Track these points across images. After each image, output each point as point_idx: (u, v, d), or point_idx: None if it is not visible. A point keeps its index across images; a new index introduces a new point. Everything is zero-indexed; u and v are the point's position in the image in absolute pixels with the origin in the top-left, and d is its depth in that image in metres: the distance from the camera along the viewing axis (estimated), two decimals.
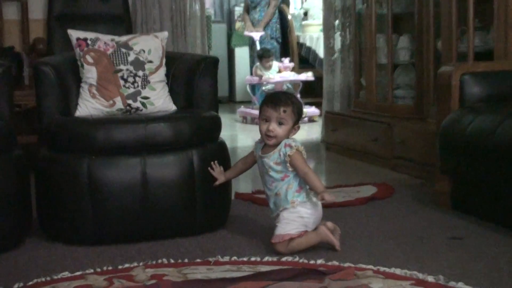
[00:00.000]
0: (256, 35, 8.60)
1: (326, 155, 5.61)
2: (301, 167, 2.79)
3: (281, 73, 8.05)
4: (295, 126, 2.86)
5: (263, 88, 8.06)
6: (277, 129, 2.83)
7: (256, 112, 7.86)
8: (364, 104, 5.39)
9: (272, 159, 2.84)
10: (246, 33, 8.70)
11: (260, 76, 7.98)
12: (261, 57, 8.08)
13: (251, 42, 8.84)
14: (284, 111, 2.82)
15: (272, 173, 2.84)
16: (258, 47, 8.47)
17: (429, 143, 4.10)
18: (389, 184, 4.14)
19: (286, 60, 8.33)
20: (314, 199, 2.85)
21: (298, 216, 2.81)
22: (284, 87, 7.98)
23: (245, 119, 8.16)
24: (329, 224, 2.90)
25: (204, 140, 3.15)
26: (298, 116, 2.86)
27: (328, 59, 6.07)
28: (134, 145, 2.99)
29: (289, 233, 2.78)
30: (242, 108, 8.34)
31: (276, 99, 2.86)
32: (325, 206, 2.94)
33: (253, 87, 8.43)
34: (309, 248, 2.81)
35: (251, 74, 8.75)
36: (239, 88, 10.37)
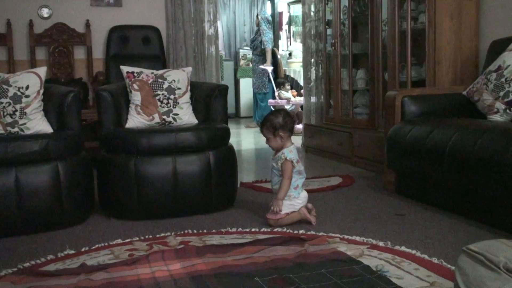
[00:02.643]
0: (270, 68, 8.61)
1: (305, 155, 5.59)
2: (284, 173, 2.77)
3: (295, 97, 8.09)
4: (278, 135, 2.80)
5: (288, 107, 8.06)
6: (270, 143, 2.83)
7: None
8: (332, 118, 5.37)
9: (275, 160, 2.81)
10: (262, 67, 8.67)
11: (288, 99, 7.98)
12: (283, 84, 8.15)
13: (260, 72, 8.73)
14: (262, 131, 2.84)
15: (275, 171, 2.84)
16: (272, 78, 8.47)
17: (379, 146, 4.08)
18: (351, 175, 4.12)
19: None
20: (304, 192, 2.84)
21: (290, 204, 2.79)
22: (299, 109, 8.03)
23: None
24: (309, 205, 2.89)
25: (218, 145, 3.13)
26: (273, 129, 2.80)
27: (306, 86, 6.05)
28: (167, 148, 2.98)
29: (280, 214, 2.76)
30: None
31: (261, 124, 2.85)
32: (307, 191, 2.92)
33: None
34: (293, 223, 2.80)
35: (254, 96, 8.76)
36: (243, 107, 10.37)
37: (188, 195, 3.00)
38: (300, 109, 8.01)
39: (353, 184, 3.83)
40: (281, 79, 8.35)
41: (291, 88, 8.24)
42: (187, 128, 3.13)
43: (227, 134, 3.23)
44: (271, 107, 8.43)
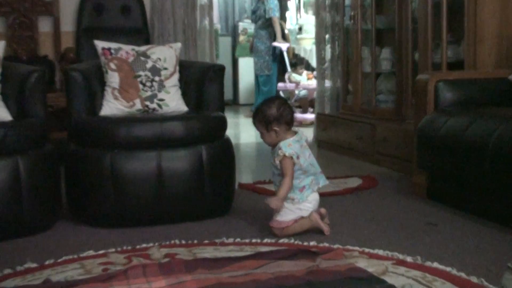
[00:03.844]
0: (284, 46, 8.57)
1: (318, 151, 5.60)
2: (284, 171, 2.76)
3: (311, 80, 8.04)
4: (272, 129, 2.80)
5: (297, 93, 8.05)
6: (263, 138, 2.85)
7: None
8: (350, 107, 5.37)
9: (273, 155, 2.81)
10: (275, 43, 8.64)
11: (297, 82, 7.95)
12: (295, 65, 8.09)
13: (262, 51, 8.71)
14: (254, 124, 2.86)
15: (274, 170, 2.84)
16: (286, 57, 8.46)
17: (408, 141, 4.08)
18: (372, 176, 4.12)
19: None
20: (315, 194, 2.84)
21: (297, 208, 2.79)
22: (315, 94, 8.01)
23: None
24: (322, 210, 2.88)
25: (212, 137, 3.13)
26: (266, 122, 2.80)
27: (319, 68, 6.05)
28: (150, 141, 2.98)
29: (285, 220, 2.77)
30: None
31: (252, 115, 2.87)
32: (320, 194, 2.93)
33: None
34: (302, 232, 2.80)
35: (255, 79, 8.77)
36: (242, 92, 10.37)
37: (175, 198, 3.00)
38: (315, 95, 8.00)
39: (375, 187, 3.84)
40: (296, 58, 8.33)
41: (307, 70, 8.20)
42: (174, 117, 3.12)
43: (223, 124, 3.23)
44: (281, 92, 8.44)
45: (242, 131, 7.50)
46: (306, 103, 8.12)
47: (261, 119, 2.82)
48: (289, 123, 2.82)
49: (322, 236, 2.78)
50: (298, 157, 2.77)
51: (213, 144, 3.11)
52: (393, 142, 4.42)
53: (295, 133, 2.85)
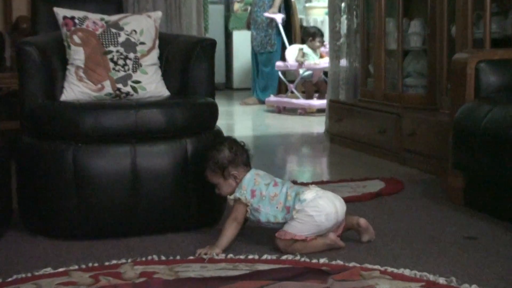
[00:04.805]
0: (278, 17, 8.57)
1: (330, 147, 5.60)
2: (231, 213, 2.86)
3: (322, 59, 8.01)
4: (231, 175, 2.87)
5: (301, 73, 8.05)
6: (221, 191, 2.92)
7: (292, 101, 7.88)
8: (371, 93, 5.37)
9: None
10: (266, 14, 8.63)
11: (301, 62, 7.93)
12: (313, 35, 8.01)
13: (263, 22, 8.71)
14: (206, 176, 2.92)
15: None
16: (282, 30, 8.47)
17: (442, 135, 4.09)
18: (397, 179, 4.13)
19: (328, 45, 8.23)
20: (328, 195, 2.86)
21: (313, 222, 2.79)
22: (322, 76, 8.00)
23: (279, 109, 8.11)
24: (362, 221, 2.91)
25: (199, 128, 3.13)
26: (220, 169, 2.87)
27: (333, 44, 6.05)
28: (123, 132, 2.98)
29: (293, 233, 2.78)
30: (274, 98, 8.28)
31: (202, 165, 2.93)
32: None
33: (284, 73, 8.45)
34: (315, 252, 2.81)
35: (254, 58, 8.76)
36: (237, 74, 10.37)
37: (153, 204, 3.01)
38: (323, 77, 8.02)
39: (400, 192, 3.84)
40: (315, 27, 8.25)
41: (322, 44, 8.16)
42: (153, 103, 3.13)
43: (213, 112, 3.23)
44: (279, 73, 8.44)
45: (237, 122, 7.52)
46: (310, 87, 8.13)
47: (214, 168, 2.89)
48: (247, 162, 2.93)
49: (335, 252, 2.78)
50: (273, 184, 2.87)
51: (201, 137, 3.11)
52: (424, 136, 4.43)
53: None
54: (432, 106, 4.72)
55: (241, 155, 2.91)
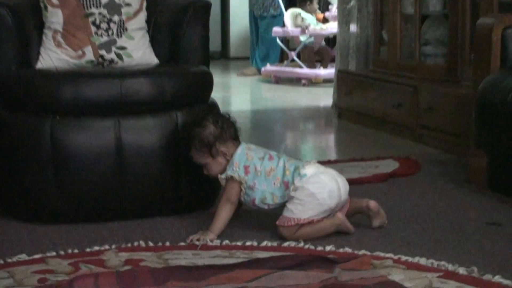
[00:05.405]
0: None
1: (338, 123, 5.61)
2: (223, 193, 2.87)
3: (328, 24, 8.00)
4: (219, 152, 2.87)
5: (302, 40, 8.04)
6: (210, 171, 2.92)
7: (295, 70, 7.88)
8: (385, 62, 5.36)
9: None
10: None
11: (304, 27, 7.91)
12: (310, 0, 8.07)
13: None
14: (192, 156, 2.92)
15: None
16: None
17: (463, 110, 4.09)
18: (413, 158, 4.14)
19: (333, 8, 8.19)
20: (330, 172, 2.87)
21: (316, 201, 2.80)
22: (323, 43, 8.00)
23: (276, 79, 8.12)
24: (372, 204, 2.91)
25: (192, 100, 3.14)
26: (207, 147, 2.86)
27: (342, 8, 6.03)
28: (107, 104, 2.98)
29: (297, 217, 2.78)
30: (272, 67, 8.28)
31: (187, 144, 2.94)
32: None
33: (282, 40, 8.44)
34: (323, 236, 2.81)
35: (253, 23, 8.74)
36: (234, 41, 10.34)
37: (140, 184, 3.02)
38: (324, 44, 8.02)
39: (417, 173, 3.86)
40: None
41: (319, 9, 8.19)
42: (140, 72, 3.13)
43: (207, 82, 3.24)
44: (277, 39, 8.42)
45: (234, 95, 7.52)
46: (312, 55, 8.13)
47: (200, 147, 2.89)
48: (235, 136, 2.92)
49: (343, 238, 2.79)
50: (269, 158, 2.86)
51: (193, 110, 3.11)
52: (443, 111, 4.43)
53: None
54: (452, 78, 4.71)
55: (228, 129, 2.90)
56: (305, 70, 7.97)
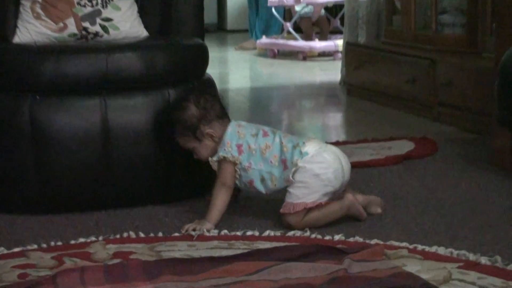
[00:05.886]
0: None
1: (347, 100, 5.60)
2: (218, 176, 2.87)
3: None
4: (205, 135, 2.87)
5: (297, 10, 8.03)
6: (199, 155, 2.93)
7: (289, 43, 7.88)
8: (398, 33, 5.35)
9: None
10: None
11: None
12: None
13: None
14: (179, 143, 2.93)
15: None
16: None
17: (485, 85, 4.08)
18: (430, 138, 4.14)
19: None
20: (334, 147, 2.88)
21: (321, 181, 2.80)
22: (322, 12, 7.99)
23: (273, 53, 8.11)
24: (360, 197, 2.92)
25: (185, 76, 3.14)
26: (190, 131, 2.87)
27: None
28: (91, 82, 2.98)
29: (303, 201, 2.78)
30: (267, 39, 8.27)
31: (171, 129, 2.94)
32: (352, 165, 2.95)
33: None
34: (331, 221, 2.82)
35: None
36: (231, 12, 10.33)
37: (129, 169, 3.02)
38: (323, 13, 7.99)
39: (434, 154, 3.86)
40: None
41: None
42: (128, 46, 3.13)
43: (202, 56, 3.24)
44: (273, 10, 8.41)
45: (231, 71, 7.51)
46: (309, 26, 8.12)
47: (183, 131, 2.90)
48: (221, 114, 2.91)
49: (353, 226, 2.80)
50: (264, 133, 2.86)
51: (187, 88, 3.11)
52: (462, 86, 4.43)
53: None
54: (473, 49, 4.71)
55: (212, 108, 2.90)
56: (299, 43, 7.97)
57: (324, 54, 7.90)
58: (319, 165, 2.78)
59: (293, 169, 2.78)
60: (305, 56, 7.83)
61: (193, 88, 3.07)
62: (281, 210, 2.81)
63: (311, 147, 2.81)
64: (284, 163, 2.81)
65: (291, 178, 2.78)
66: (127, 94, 3.03)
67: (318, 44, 7.86)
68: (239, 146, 2.84)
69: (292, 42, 8.02)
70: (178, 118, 2.89)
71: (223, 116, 2.92)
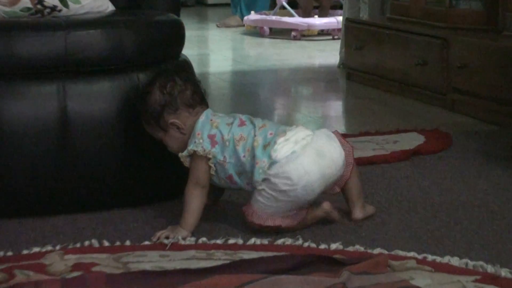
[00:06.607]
0: None
1: (347, 86, 5.61)
2: (189, 175, 2.86)
3: None
4: (171, 124, 2.86)
5: None
6: (167, 145, 2.92)
7: (283, 19, 7.89)
8: (406, 8, 5.36)
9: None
10: None
11: None
12: None
13: None
14: (147, 129, 2.94)
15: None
16: None
17: (506, 68, 4.09)
18: (443, 131, 4.15)
19: None
20: (321, 141, 2.85)
21: (278, 191, 2.76)
22: None
23: (263, 31, 8.13)
24: (326, 205, 2.90)
25: (157, 58, 3.15)
26: (155, 119, 2.87)
27: None
28: (48, 64, 2.98)
29: (262, 215, 2.79)
30: (256, 15, 8.27)
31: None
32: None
33: None
34: (311, 224, 2.85)
35: None
36: None
37: (91, 167, 3.02)
38: None
39: (447, 149, 3.87)
40: None
41: None
42: (90, 22, 3.12)
43: (177, 34, 3.25)
44: None
45: (212, 52, 7.51)
46: (308, 1, 8.14)
47: (146, 119, 2.91)
48: (193, 103, 2.89)
49: (352, 233, 2.80)
50: (242, 122, 2.85)
51: (160, 70, 3.09)
52: (480, 70, 4.44)
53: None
54: (492, 27, 4.72)
55: (181, 94, 2.87)
56: (295, 19, 7.97)
57: (323, 33, 7.91)
58: (285, 181, 2.74)
59: (261, 173, 2.77)
60: (297, 35, 7.83)
61: (162, 70, 3.05)
62: (244, 208, 2.83)
63: (283, 150, 2.76)
64: (253, 159, 2.79)
65: (256, 185, 2.78)
66: (90, 78, 3.02)
67: (318, 21, 7.86)
68: (211, 137, 2.82)
69: (287, 19, 8.02)
70: (142, 104, 2.89)
71: (194, 104, 2.89)
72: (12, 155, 2.94)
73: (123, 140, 3.04)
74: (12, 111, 2.94)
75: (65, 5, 3.25)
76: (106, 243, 2.73)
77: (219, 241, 2.74)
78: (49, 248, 2.69)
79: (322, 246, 2.69)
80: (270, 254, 2.60)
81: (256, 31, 8.21)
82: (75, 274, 2.47)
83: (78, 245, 2.72)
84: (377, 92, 5.30)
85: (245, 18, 8.37)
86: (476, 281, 2.39)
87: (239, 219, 2.94)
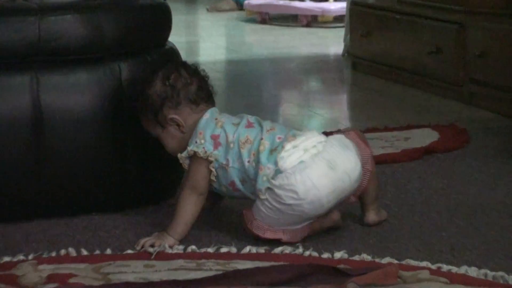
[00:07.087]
0: None
1: (352, 77, 5.61)
2: (186, 178, 2.87)
3: None
4: (170, 121, 2.86)
5: None
6: (163, 143, 2.92)
7: (293, 4, 7.90)
8: None
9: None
10: None
11: None
12: None
13: None
14: (143, 124, 2.96)
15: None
16: None
17: None
18: (459, 126, 4.16)
19: None
20: (334, 151, 2.84)
21: (282, 203, 2.75)
22: None
23: (263, 18, 8.15)
24: (335, 216, 2.90)
25: (141, 46, 3.15)
26: (153, 113, 2.87)
27: None
28: (19, 53, 2.98)
29: (262, 226, 2.79)
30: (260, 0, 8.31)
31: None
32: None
33: None
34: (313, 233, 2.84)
35: None
36: None
37: (68, 167, 3.02)
38: None
39: (465, 147, 3.88)
40: None
41: None
42: (66, 6, 3.12)
43: (163, 20, 3.26)
44: None
45: (203, 39, 7.53)
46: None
47: (143, 111, 2.91)
48: (197, 99, 2.88)
49: (358, 241, 2.81)
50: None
51: (144, 60, 3.12)
52: (501, 59, 4.44)
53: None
54: None
55: (185, 87, 2.87)
56: (307, 4, 7.97)
57: (340, 19, 7.92)
58: (290, 194, 2.73)
59: (265, 181, 2.76)
60: (306, 21, 7.83)
61: (168, 61, 3.05)
62: (244, 212, 2.82)
63: (290, 159, 2.75)
64: (257, 165, 2.77)
65: (262, 189, 2.76)
66: (66, 69, 3.02)
67: (333, 6, 7.85)
68: (215, 138, 2.81)
69: (297, 4, 8.00)
70: (140, 94, 2.89)
71: (199, 101, 2.88)
72: None
73: (102, 137, 3.04)
74: None
75: None
76: (84, 252, 2.73)
77: (210, 250, 2.75)
78: (21, 257, 2.69)
79: (325, 255, 2.69)
80: (267, 264, 2.61)
81: (254, 17, 8.20)
82: (50, 286, 2.47)
83: (53, 254, 2.73)
84: (386, 83, 5.31)
85: (246, 2, 8.34)
86: None
87: (234, 224, 2.95)
